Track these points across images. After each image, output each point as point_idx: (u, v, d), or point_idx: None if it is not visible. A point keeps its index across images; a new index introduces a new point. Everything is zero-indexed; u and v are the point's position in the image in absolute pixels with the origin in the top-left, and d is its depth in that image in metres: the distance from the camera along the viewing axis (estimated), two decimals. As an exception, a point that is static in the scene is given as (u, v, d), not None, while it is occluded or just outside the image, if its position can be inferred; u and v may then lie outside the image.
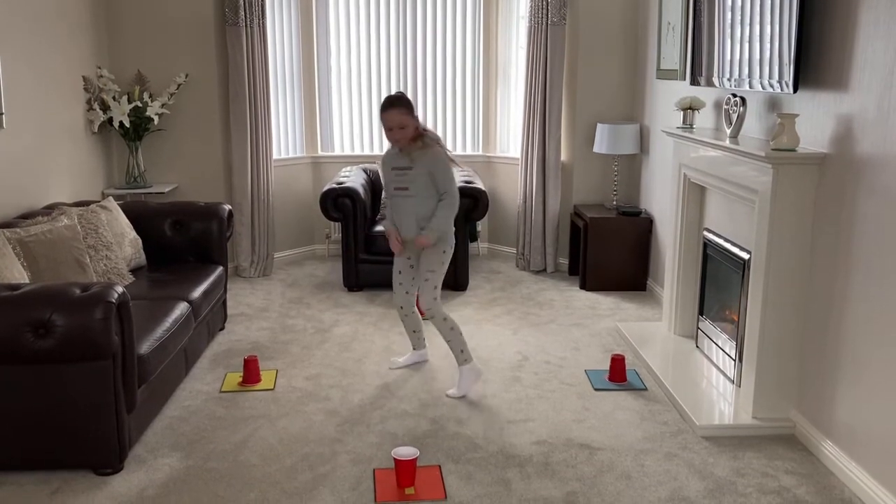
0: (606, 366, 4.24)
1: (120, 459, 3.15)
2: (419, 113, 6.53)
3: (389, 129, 3.86)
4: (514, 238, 6.45)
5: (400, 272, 4.09)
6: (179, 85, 5.63)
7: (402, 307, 4.15)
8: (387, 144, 6.81)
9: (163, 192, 5.59)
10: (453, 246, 4.01)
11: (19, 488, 3.03)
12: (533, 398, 3.87)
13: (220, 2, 5.68)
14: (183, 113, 5.77)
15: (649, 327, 4.79)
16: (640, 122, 5.78)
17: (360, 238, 5.57)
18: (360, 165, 6.34)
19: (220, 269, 4.61)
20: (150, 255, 4.58)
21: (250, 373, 4.02)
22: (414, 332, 4.27)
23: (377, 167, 6.20)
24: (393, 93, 4.06)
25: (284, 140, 6.41)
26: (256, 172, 5.91)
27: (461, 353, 3.95)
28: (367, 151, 6.67)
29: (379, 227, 5.66)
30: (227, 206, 4.83)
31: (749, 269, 3.65)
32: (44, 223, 3.78)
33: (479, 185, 5.68)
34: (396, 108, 3.82)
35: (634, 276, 5.67)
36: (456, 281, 5.61)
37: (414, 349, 4.32)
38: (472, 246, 6.57)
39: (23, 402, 3.03)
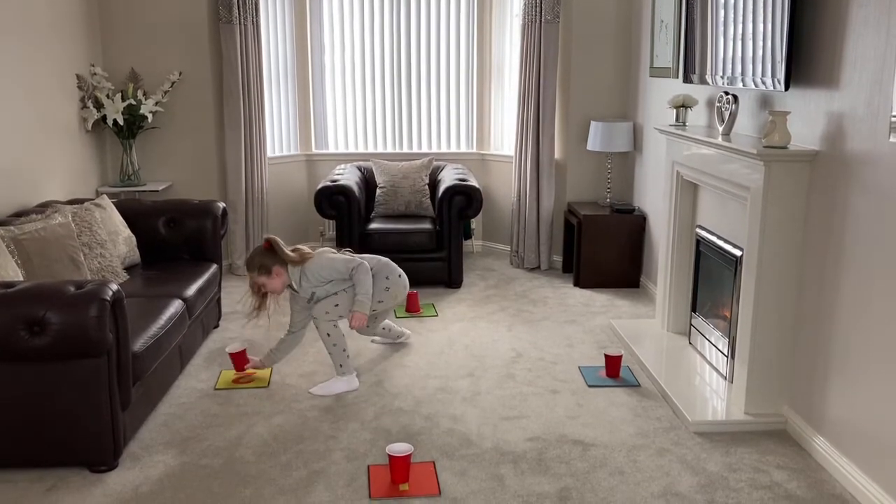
0: (600, 362, 4.26)
1: (115, 456, 3.16)
2: (412, 108, 6.57)
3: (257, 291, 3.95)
4: (508, 235, 6.47)
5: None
6: (173, 83, 5.63)
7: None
8: (382, 145, 6.83)
9: (157, 190, 5.59)
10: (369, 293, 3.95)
11: (14, 486, 3.04)
12: (527, 395, 3.89)
13: (213, -1, 5.70)
14: (177, 111, 5.77)
15: (643, 324, 4.81)
16: (633, 120, 5.80)
17: (355, 235, 5.57)
18: (355, 163, 6.34)
19: (214, 266, 4.61)
20: (145, 253, 4.58)
21: (239, 362, 4.05)
22: (384, 329, 4.43)
23: (371, 165, 6.21)
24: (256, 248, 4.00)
25: (278, 138, 6.41)
26: (250, 170, 5.91)
27: (340, 367, 3.97)
28: (361, 149, 6.68)
29: (373, 225, 5.67)
30: (222, 204, 4.83)
31: (741, 266, 3.67)
32: (38, 221, 3.79)
33: (473, 182, 5.69)
34: (251, 272, 3.92)
35: (628, 273, 5.69)
36: (450, 278, 5.63)
37: (398, 339, 4.56)
38: (467, 243, 6.59)
39: (17, 400, 3.03)
